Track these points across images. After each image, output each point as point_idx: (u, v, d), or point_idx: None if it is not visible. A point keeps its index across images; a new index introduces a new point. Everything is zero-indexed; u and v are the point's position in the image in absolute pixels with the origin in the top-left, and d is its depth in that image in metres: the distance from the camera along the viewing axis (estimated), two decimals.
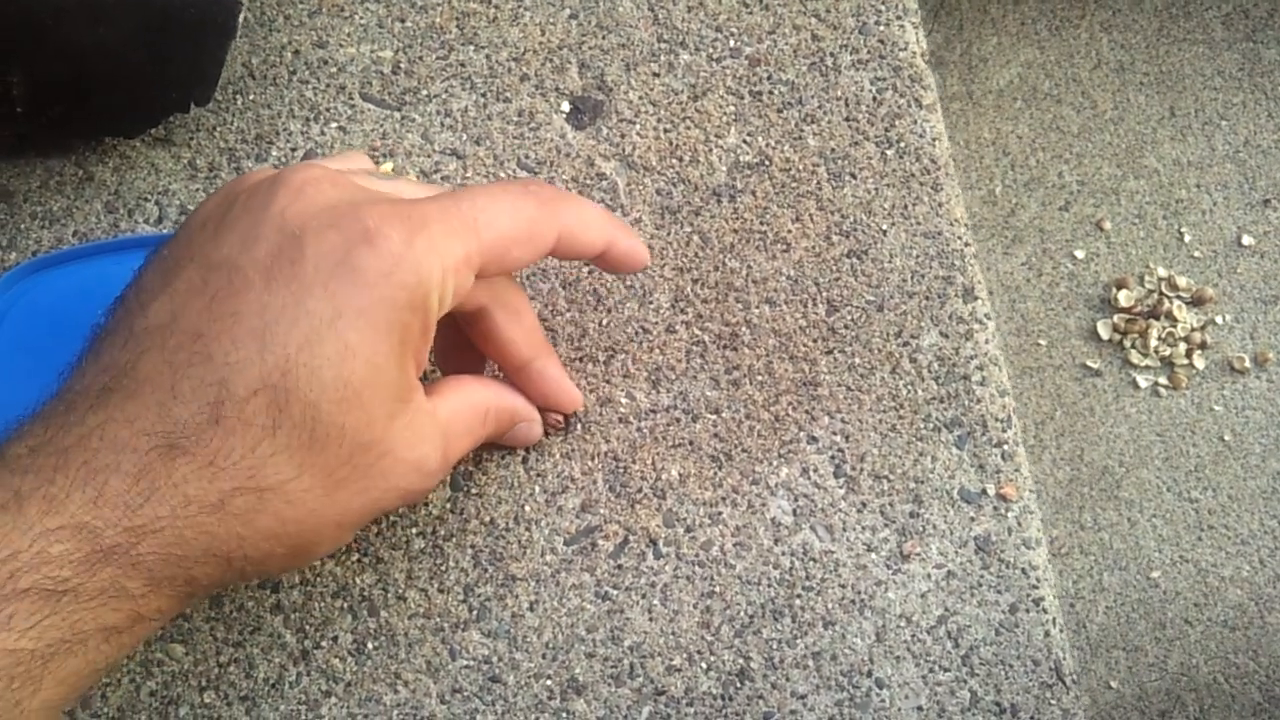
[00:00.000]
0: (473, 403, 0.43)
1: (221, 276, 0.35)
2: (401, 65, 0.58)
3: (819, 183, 0.57)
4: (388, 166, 0.55)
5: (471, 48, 0.59)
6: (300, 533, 0.36)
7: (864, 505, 0.50)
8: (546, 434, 0.50)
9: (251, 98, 0.57)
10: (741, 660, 0.48)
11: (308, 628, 0.48)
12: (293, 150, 0.56)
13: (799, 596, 0.49)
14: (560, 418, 0.50)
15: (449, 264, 0.36)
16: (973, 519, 0.50)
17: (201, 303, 0.35)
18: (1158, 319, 1.21)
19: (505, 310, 0.43)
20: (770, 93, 0.59)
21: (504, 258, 0.38)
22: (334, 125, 0.57)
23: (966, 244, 0.56)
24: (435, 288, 0.35)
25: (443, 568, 0.49)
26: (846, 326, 0.54)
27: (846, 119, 0.58)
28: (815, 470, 0.51)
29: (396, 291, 0.34)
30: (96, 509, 0.33)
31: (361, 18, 0.59)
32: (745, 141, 0.57)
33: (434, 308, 0.36)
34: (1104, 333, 1.22)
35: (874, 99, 0.59)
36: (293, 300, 0.34)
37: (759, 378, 0.52)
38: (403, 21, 0.59)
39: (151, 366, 0.35)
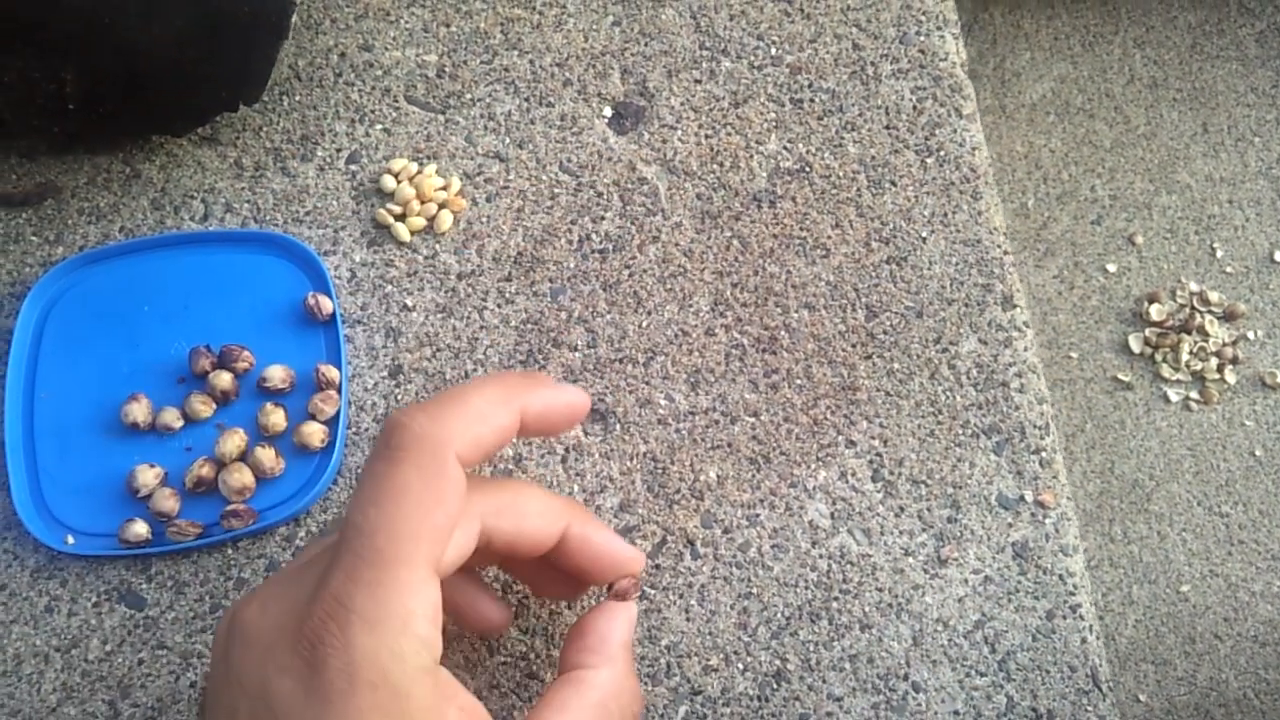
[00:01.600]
0: (593, 704, 0.39)
1: None
2: (446, 69, 0.59)
3: (859, 190, 0.57)
4: (431, 169, 0.56)
5: (515, 53, 0.59)
6: None
7: (902, 510, 0.51)
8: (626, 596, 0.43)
9: (297, 99, 0.58)
10: (778, 661, 0.48)
11: None
12: (338, 151, 0.57)
13: (836, 599, 0.49)
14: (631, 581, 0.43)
15: (397, 625, 0.33)
16: (1010, 525, 0.51)
17: None
18: (1189, 333, 1.21)
19: (507, 519, 0.38)
20: (811, 100, 0.59)
21: (438, 540, 0.34)
22: (379, 127, 0.57)
23: (1005, 252, 0.56)
24: (401, 653, 0.33)
25: (482, 565, 0.49)
26: (885, 332, 0.54)
27: (887, 127, 0.59)
28: (853, 474, 0.51)
29: (374, 697, 0.32)
30: None
31: (407, 22, 0.60)
32: (786, 148, 0.58)
33: (422, 665, 0.33)
34: (1135, 346, 1.22)
35: (914, 108, 0.59)
36: None
37: (797, 381, 0.53)
38: (448, 26, 0.60)
39: None
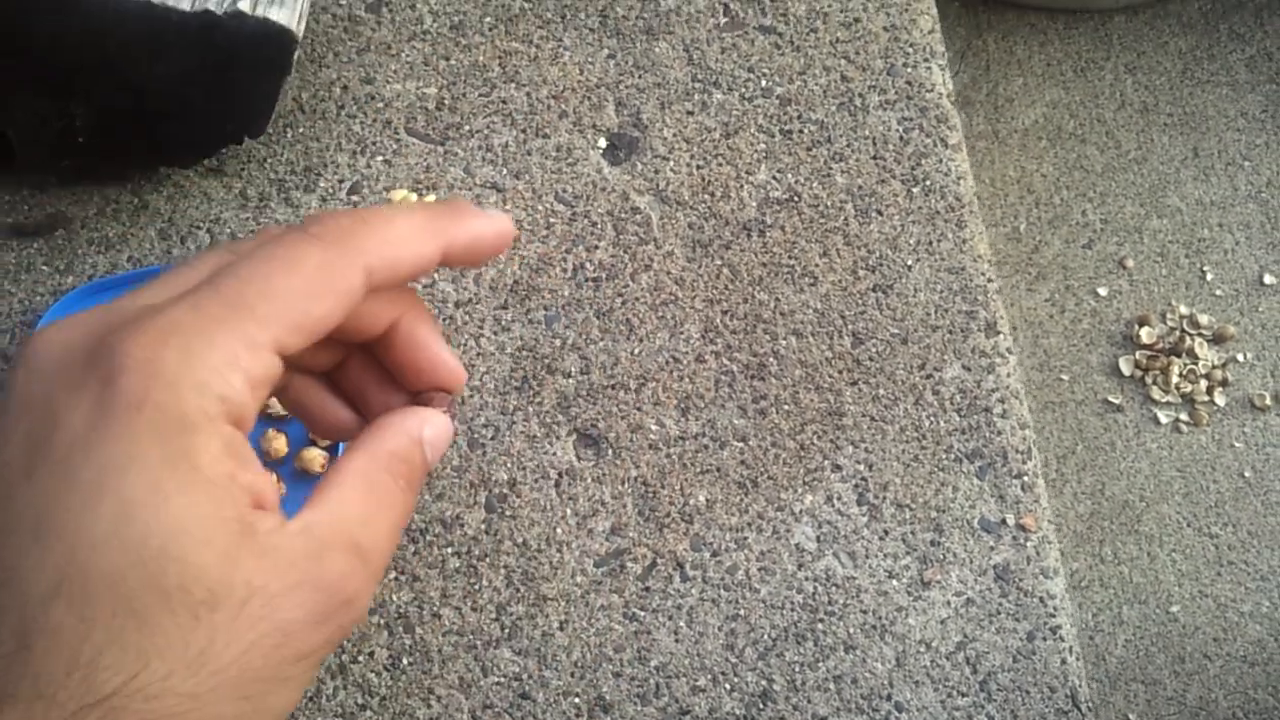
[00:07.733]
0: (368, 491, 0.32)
1: None
2: (445, 101, 0.60)
3: (846, 219, 0.58)
4: (431, 199, 0.57)
5: (513, 85, 0.61)
6: None
7: (886, 533, 0.52)
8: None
9: (301, 131, 0.60)
10: (764, 682, 0.49)
11: (345, 643, 0.49)
12: (340, 182, 0.58)
13: (821, 621, 0.50)
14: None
15: (214, 363, 0.28)
16: (992, 548, 0.52)
17: None
18: (1179, 356, 1.22)
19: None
20: (800, 131, 0.61)
21: (302, 325, 0.30)
22: (379, 159, 0.59)
23: (990, 280, 0.57)
24: (207, 395, 0.28)
25: (476, 587, 0.50)
26: (871, 359, 0.55)
27: (874, 157, 0.60)
28: (839, 498, 0.52)
29: (156, 420, 0.28)
30: None
31: (408, 55, 0.61)
32: (775, 178, 0.59)
33: (217, 416, 0.29)
34: (1126, 369, 1.23)
35: (901, 138, 0.61)
36: (58, 479, 0.28)
37: (785, 407, 0.54)
38: (447, 59, 0.61)
39: None
